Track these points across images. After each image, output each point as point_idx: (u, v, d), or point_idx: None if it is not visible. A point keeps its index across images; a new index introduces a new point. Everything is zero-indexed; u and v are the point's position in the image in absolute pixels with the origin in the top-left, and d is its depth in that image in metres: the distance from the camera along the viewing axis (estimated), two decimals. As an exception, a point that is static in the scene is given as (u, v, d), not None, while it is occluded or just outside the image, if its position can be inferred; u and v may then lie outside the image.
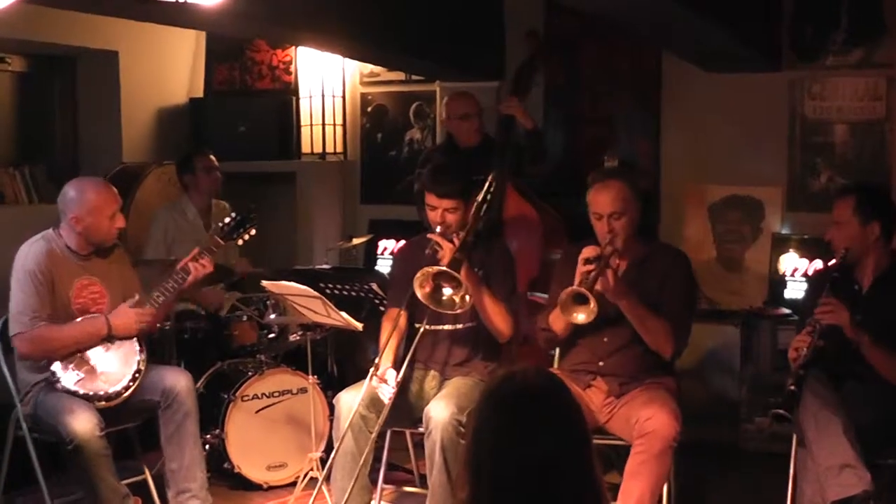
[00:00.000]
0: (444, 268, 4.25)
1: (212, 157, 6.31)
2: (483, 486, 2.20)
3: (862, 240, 4.38)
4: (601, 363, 4.45)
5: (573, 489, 2.18)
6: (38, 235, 4.74)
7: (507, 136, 5.84)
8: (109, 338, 4.61)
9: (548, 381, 2.30)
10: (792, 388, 4.12)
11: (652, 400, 4.22)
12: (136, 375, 4.63)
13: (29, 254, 4.65)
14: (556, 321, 4.39)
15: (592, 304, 4.05)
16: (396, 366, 4.56)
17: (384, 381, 4.45)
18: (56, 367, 4.54)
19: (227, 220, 5.07)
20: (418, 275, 4.27)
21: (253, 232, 5.10)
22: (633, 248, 4.44)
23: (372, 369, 4.48)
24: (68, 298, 4.66)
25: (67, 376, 4.54)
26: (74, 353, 4.57)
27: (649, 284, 4.39)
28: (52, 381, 4.53)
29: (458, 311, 4.38)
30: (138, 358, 4.65)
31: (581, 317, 4.12)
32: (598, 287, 4.12)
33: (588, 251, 4.21)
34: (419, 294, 4.29)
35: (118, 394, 4.59)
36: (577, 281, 4.16)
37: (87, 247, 4.74)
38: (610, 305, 4.26)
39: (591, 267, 4.14)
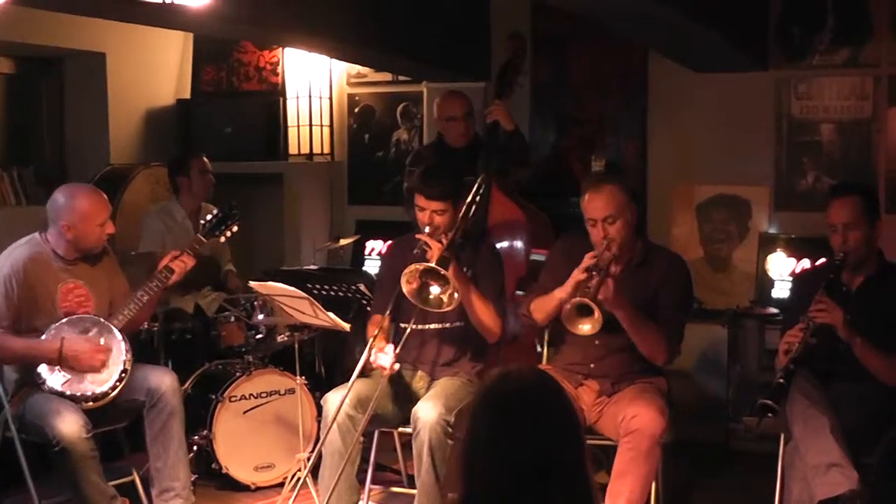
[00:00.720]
0: (432, 264, 4.25)
1: (205, 159, 6.31)
2: (476, 486, 2.19)
3: (871, 239, 4.37)
4: (592, 365, 4.45)
5: (566, 489, 2.17)
6: (23, 239, 4.73)
7: (493, 139, 5.83)
8: (59, 362, 4.57)
9: (543, 381, 2.29)
10: (781, 380, 4.11)
11: (637, 398, 4.23)
12: (123, 375, 4.62)
13: (9, 259, 4.64)
14: (539, 311, 4.40)
15: (597, 314, 4.05)
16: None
17: (382, 351, 4.46)
18: (42, 368, 4.53)
19: (208, 217, 5.07)
20: (406, 271, 4.27)
21: (235, 228, 5.10)
22: (630, 250, 4.44)
23: (371, 341, 4.48)
24: (54, 302, 4.65)
25: (54, 377, 4.53)
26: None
27: (644, 288, 4.38)
28: (38, 383, 4.53)
29: (446, 310, 4.38)
30: (124, 358, 4.64)
31: (587, 327, 4.11)
32: (601, 296, 4.12)
33: (588, 260, 4.21)
34: (406, 290, 4.29)
35: (105, 394, 4.58)
36: (572, 289, 4.16)
37: (74, 253, 4.72)
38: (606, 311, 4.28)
39: (591, 276, 4.14)
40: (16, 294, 4.57)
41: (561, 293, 4.27)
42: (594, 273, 4.14)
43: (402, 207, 6.08)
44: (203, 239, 4.97)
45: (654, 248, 4.65)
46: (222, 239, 5.14)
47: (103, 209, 4.74)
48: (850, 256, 4.36)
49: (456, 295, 4.27)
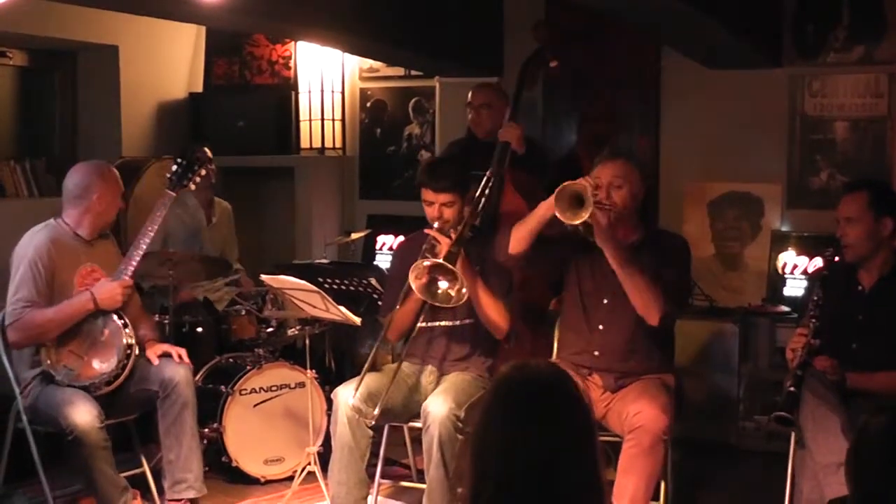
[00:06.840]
0: (440, 260, 4.25)
1: (206, 150, 6.29)
2: (487, 481, 2.16)
3: (874, 236, 4.34)
4: (596, 353, 4.42)
5: (577, 485, 2.15)
6: (41, 224, 4.76)
7: (507, 144, 5.65)
8: (96, 313, 4.58)
9: (559, 376, 2.27)
10: (791, 389, 4.10)
11: (642, 394, 4.20)
12: (128, 352, 4.59)
13: (31, 242, 4.66)
14: (518, 229, 4.37)
15: (586, 211, 4.06)
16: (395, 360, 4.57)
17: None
18: (49, 368, 4.54)
19: (173, 167, 5.01)
20: (414, 266, 4.26)
21: (204, 172, 5.08)
22: (631, 230, 4.43)
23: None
24: (72, 286, 4.67)
25: (62, 373, 4.54)
26: (66, 333, 4.57)
27: (645, 264, 4.32)
28: (49, 376, 4.54)
29: (453, 305, 4.36)
30: (124, 331, 4.61)
31: (571, 216, 4.12)
32: (592, 219, 4.12)
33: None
34: (414, 286, 4.28)
35: (116, 374, 4.56)
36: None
37: (93, 231, 4.77)
38: (603, 301, 4.31)
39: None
40: (42, 276, 4.60)
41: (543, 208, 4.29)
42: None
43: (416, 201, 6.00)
44: (172, 193, 4.93)
45: (657, 231, 4.63)
46: (192, 187, 5.08)
47: (115, 186, 4.87)
48: (848, 252, 4.36)
49: (464, 290, 4.26)
